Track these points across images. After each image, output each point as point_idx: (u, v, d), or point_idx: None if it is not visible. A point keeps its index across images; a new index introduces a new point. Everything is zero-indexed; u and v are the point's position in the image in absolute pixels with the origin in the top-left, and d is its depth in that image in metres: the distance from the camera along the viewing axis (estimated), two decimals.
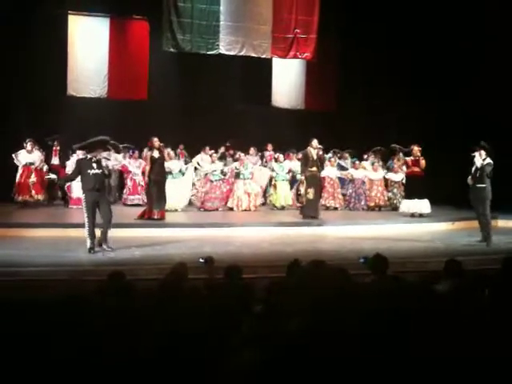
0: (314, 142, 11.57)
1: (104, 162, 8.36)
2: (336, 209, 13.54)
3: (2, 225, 9.87)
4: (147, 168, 11.11)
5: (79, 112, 14.28)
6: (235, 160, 13.86)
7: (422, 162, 11.96)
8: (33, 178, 12.49)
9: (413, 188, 12.13)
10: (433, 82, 13.96)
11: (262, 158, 14.58)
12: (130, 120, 14.67)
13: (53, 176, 12.88)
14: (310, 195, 11.48)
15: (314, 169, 11.59)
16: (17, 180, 12.50)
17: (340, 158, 14.83)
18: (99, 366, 2.15)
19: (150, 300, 3.43)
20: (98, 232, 8.24)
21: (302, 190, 11.52)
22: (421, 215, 12.00)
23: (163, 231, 10.03)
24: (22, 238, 9.19)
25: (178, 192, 12.45)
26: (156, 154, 10.96)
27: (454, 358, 2.33)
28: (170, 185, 11.93)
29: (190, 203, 13.36)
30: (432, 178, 12.09)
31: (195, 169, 13.52)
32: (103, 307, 2.80)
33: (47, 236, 9.29)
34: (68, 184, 12.74)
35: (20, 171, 12.50)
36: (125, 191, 13.73)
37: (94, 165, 8.13)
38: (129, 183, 13.67)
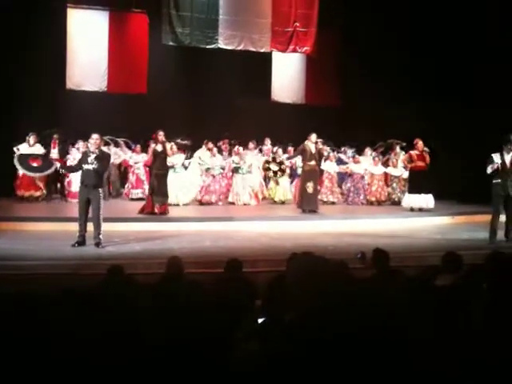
0: (313, 137, 11.58)
1: (94, 154, 8.05)
2: (334, 203, 13.55)
3: (2, 218, 9.87)
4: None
5: (79, 106, 14.27)
6: (230, 155, 13.94)
7: (427, 156, 11.94)
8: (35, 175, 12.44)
9: (417, 182, 12.09)
10: (435, 76, 13.90)
11: (260, 151, 14.56)
12: (129, 114, 14.63)
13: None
14: (310, 189, 11.51)
15: (313, 163, 11.60)
16: (19, 174, 12.45)
17: (340, 153, 14.82)
18: (99, 363, 2.15)
19: (150, 294, 3.43)
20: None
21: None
22: (420, 209, 11.99)
23: (164, 225, 10.04)
24: (21, 231, 9.19)
25: (180, 187, 12.45)
26: (159, 147, 10.95)
27: (452, 353, 2.33)
28: (173, 179, 11.94)
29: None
30: (435, 172, 12.07)
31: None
32: (102, 302, 2.80)
33: (47, 230, 9.29)
34: (68, 179, 12.75)
35: None
36: (127, 185, 13.76)
37: (89, 159, 8.04)
38: (131, 177, 13.69)
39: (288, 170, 13.71)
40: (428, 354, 2.28)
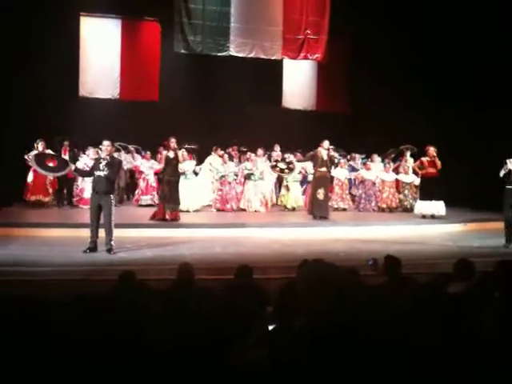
0: (325, 143, 11.64)
1: (105, 161, 8.11)
2: (345, 210, 13.53)
3: (14, 224, 9.95)
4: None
5: (91, 113, 14.37)
6: (240, 161, 13.95)
7: (438, 163, 11.90)
8: (50, 177, 12.43)
9: (428, 189, 12.04)
10: (445, 82, 13.86)
11: (269, 158, 14.55)
12: (141, 121, 14.72)
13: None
14: (320, 196, 11.52)
15: (324, 169, 11.64)
16: (29, 180, 12.52)
17: (350, 160, 14.80)
18: (109, 367, 2.16)
19: (161, 300, 3.44)
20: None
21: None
22: (432, 216, 11.93)
23: (175, 231, 10.06)
24: (34, 237, 9.24)
25: (190, 193, 12.48)
26: (171, 154, 11.00)
27: (463, 361, 2.31)
28: (184, 186, 11.97)
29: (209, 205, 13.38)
30: (447, 179, 12.02)
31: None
32: (113, 307, 2.81)
33: (59, 236, 9.34)
34: (81, 186, 12.82)
35: (32, 171, 12.51)
36: (137, 192, 13.81)
37: (101, 166, 8.09)
38: (141, 184, 13.74)
39: (300, 175, 13.71)
40: (439, 362, 2.27)
